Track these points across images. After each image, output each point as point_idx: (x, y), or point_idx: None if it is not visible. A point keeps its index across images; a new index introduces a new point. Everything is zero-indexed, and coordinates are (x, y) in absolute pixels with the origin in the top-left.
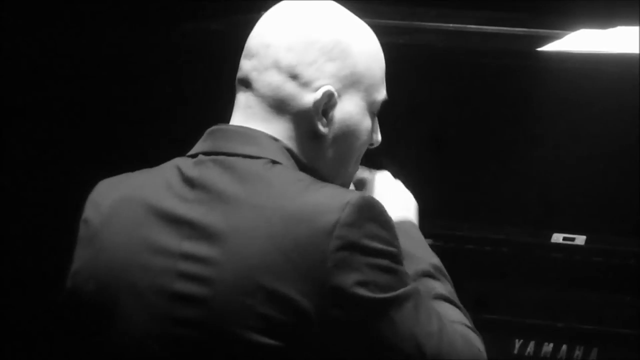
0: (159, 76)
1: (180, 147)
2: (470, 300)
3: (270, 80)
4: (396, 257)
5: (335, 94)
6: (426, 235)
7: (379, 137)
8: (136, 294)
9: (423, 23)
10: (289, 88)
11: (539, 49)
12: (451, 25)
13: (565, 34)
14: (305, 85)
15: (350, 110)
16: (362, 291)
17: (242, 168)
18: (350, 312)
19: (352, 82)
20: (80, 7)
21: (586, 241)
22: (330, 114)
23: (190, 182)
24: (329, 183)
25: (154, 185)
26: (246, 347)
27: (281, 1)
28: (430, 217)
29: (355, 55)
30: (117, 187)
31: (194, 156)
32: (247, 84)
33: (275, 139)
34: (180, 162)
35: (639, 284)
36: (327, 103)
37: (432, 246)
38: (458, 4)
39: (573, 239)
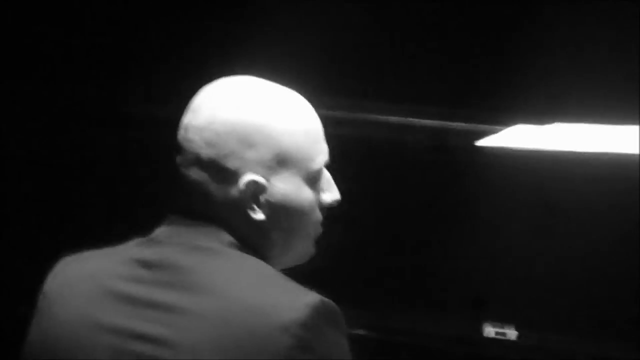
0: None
1: (139, 228)
2: None
3: (195, 176)
4: None
5: (262, 180)
6: (359, 326)
7: (334, 195)
8: None
9: (364, 115)
10: (214, 184)
11: (476, 143)
12: (393, 118)
13: (502, 129)
14: (229, 177)
15: (283, 189)
16: None
17: (205, 255)
18: None
19: (279, 163)
20: None
21: (518, 337)
22: (262, 199)
23: (148, 264)
24: (290, 280)
25: (112, 264)
26: None
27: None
28: (362, 308)
29: (277, 136)
30: (77, 263)
31: (153, 239)
32: (180, 177)
33: (232, 231)
34: (140, 243)
35: None
36: (255, 191)
37: (363, 337)
38: (400, 98)
39: (504, 334)
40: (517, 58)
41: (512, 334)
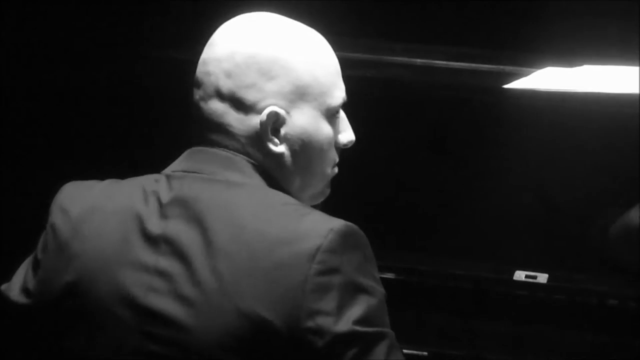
0: (124, 103)
1: (148, 166)
2: (430, 334)
3: (214, 108)
4: (376, 292)
5: (282, 111)
6: (389, 269)
7: (349, 136)
8: (107, 306)
9: (391, 57)
10: (233, 115)
11: (505, 86)
12: (418, 60)
13: (532, 72)
14: (250, 108)
15: (303, 123)
16: (337, 319)
17: (223, 188)
18: (321, 338)
19: (299, 96)
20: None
21: (548, 279)
22: (282, 132)
23: (169, 199)
24: (313, 209)
25: (129, 197)
26: None
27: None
28: (393, 251)
29: (296, 68)
30: (86, 194)
31: (173, 175)
32: (199, 111)
33: (253, 163)
34: (159, 178)
35: (600, 322)
36: (275, 122)
37: (394, 280)
38: (425, 39)
39: (535, 277)
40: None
41: (542, 277)
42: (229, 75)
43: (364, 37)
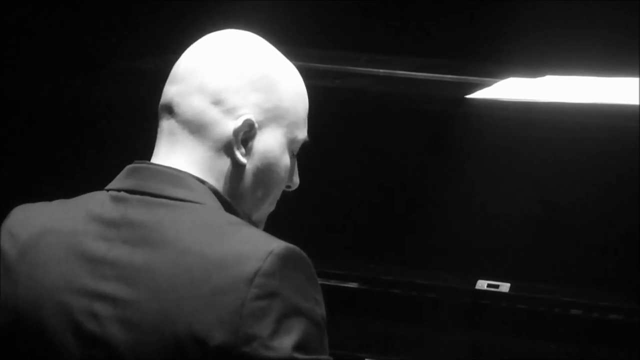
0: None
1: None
2: (397, 344)
3: (194, 104)
4: (315, 315)
5: (256, 124)
6: (352, 279)
7: (297, 179)
8: (51, 332)
9: (355, 68)
10: (212, 113)
11: (468, 96)
12: (382, 71)
13: (495, 82)
14: (228, 112)
15: (271, 143)
16: (274, 344)
17: (168, 210)
18: None
19: (275, 116)
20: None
21: (510, 288)
22: (250, 144)
23: (112, 220)
24: (256, 228)
25: (75, 220)
26: None
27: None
28: (357, 261)
29: (281, 90)
30: (35, 217)
31: (116, 192)
32: (170, 109)
33: (202, 181)
34: (102, 197)
35: (564, 331)
36: (248, 132)
37: (357, 289)
38: (389, 49)
39: (497, 286)
40: (510, 10)
41: (504, 286)
42: (217, 75)
43: (328, 48)
